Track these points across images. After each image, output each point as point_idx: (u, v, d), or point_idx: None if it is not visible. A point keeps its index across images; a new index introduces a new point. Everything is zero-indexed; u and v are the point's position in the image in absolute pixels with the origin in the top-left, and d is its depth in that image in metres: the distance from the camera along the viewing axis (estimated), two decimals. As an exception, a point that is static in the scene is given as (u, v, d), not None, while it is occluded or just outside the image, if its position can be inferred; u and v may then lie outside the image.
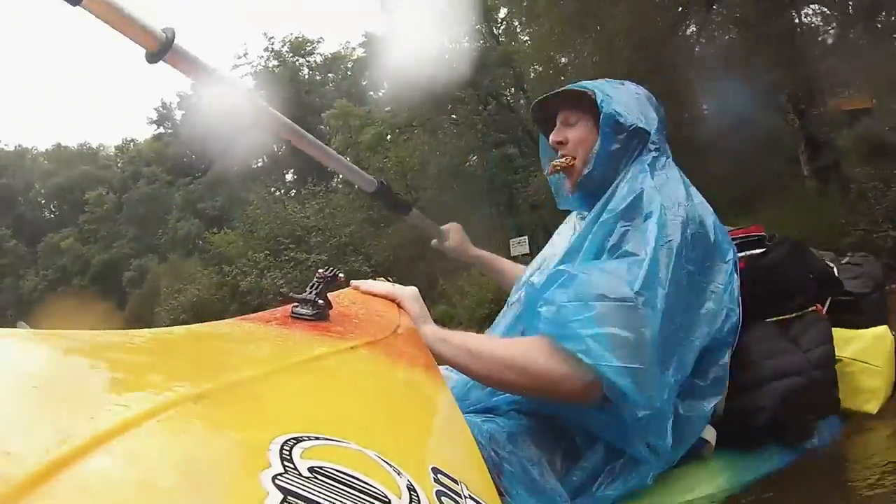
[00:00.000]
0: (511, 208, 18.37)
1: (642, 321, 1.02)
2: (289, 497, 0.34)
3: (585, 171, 1.32)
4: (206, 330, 0.77)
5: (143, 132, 54.43)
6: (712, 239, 1.19)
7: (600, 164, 1.30)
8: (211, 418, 0.43)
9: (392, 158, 18.74)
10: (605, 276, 1.08)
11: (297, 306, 0.88)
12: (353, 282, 1.22)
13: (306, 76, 35.76)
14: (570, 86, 1.39)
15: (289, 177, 23.61)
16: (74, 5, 1.10)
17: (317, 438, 0.42)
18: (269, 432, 0.41)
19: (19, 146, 46.41)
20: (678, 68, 10.92)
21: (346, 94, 28.93)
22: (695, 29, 12.33)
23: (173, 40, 1.14)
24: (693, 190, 1.26)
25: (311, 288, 0.91)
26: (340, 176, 33.74)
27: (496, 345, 1.16)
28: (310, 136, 1.60)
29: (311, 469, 0.38)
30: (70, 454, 0.31)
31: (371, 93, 27.06)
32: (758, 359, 1.31)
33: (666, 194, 1.19)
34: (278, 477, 0.36)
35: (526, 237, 14.94)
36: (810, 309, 1.44)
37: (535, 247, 14.73)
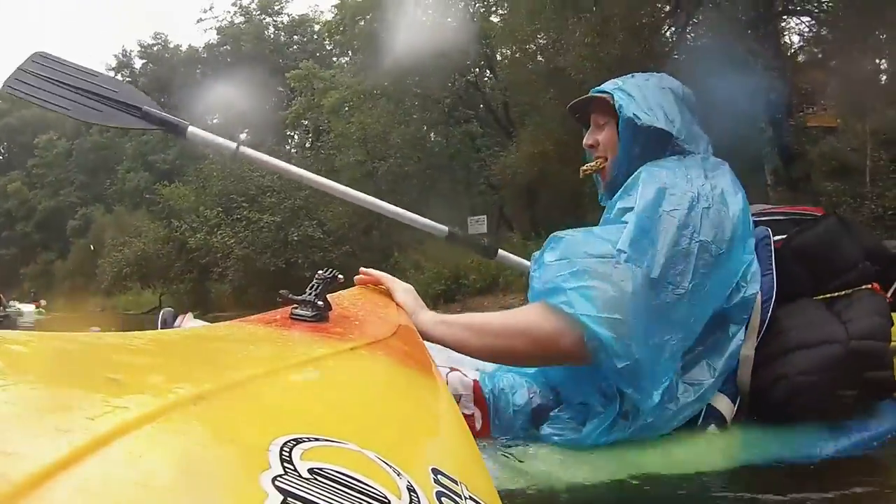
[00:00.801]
0: (470, 186, 18.14)
1: (623, 276, 1.08)
2: (289, 498, 0.34)
3: (612, 174, 1.39)
4: (206, 331, 0.77)
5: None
6: (732, 219, 1.22)
7: (622, 167, 1.35)
8: (211, 420, 0.43)
9: (355, 124, 18.55)
10: (591, 237, 1.17)
11: (296, 308, 0.89)
12: (363, 269, 1.36)
13: (271, 35, 35.59)
14: (593, 90, 1.43)
15: (243, 136, 23.24)
16: (178, 137, 1.96)
17: (317, 439, 0.42)
18: (269, 433, 0.41)
19: None
20: (668, 58, 10.92)
21: (311, 56, 28.79)
22: (687, 20, 12.27)
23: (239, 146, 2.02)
24: (720, 176, 1.28)
25: (310, 289, 0.91)
26: (295, 139, 33.18)
27: (494, 317, 1.20)
28: (375, 200, 2.06)
29: (310, 470, 0.38)
30: (70, 455, 0.31)
31: (336, 58, 26.65)
32: (786, 329, 1.29)
33: (673, 174, 1.23)
34: (278, 478, 0.36)
35: (484, 216, 14.77)
36: (864, 287, 1.36)
37: (493, 226, 14.90)
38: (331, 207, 18.99)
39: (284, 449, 0.39)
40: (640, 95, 1.33)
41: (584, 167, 1.45)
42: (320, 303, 0.88)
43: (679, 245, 1.13)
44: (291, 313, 0.88)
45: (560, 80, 11.92)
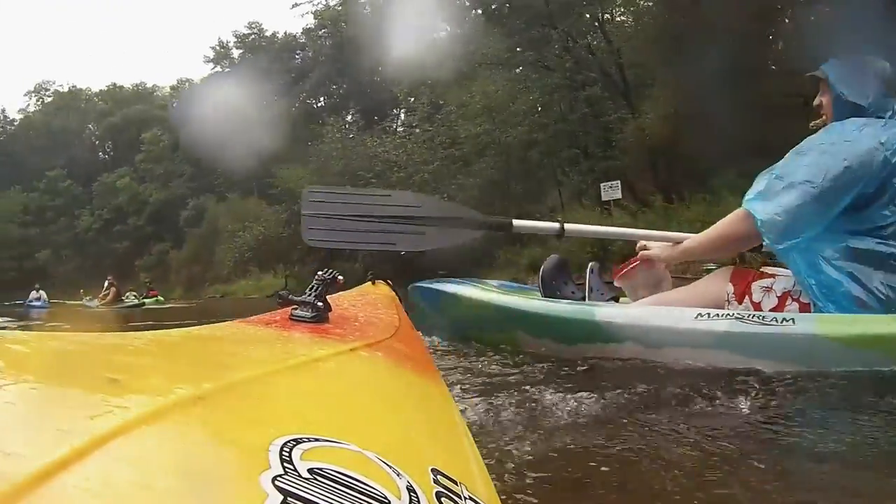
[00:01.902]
0: (601, 151, 16.96)
1: (786, 190, 1.90)
2: (289, 498, 0.34)
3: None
4: (207, 332, 0.77)
5: (200, 71, 54.71)
6: (869, 154, 1.86)
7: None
8: (211, 420, 0.43)
9: (477, 94, 17.65)
10: (777, 168, 1.99)
11: (296, 309, 0.89)
12: (643, 253, 2.33)
13: (370, 14, 35.66)
14: (813, 72, 2.07)
15: (349, 117, 22.87)
16: (559, 237, 2.30)
17: (317, 440, 0.42)
18: (269, 434, 0.41)
19: (74, 87, 46.82)
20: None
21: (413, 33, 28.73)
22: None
23: (563, 225, 2.30)
24: (870, 132, 1.87)
25: (310, 290, 0.91)
26: (402, 114, 29.92)
27: (712, 230, 2.13)
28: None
29: (310, 470, 0.38)
30: (70, 455, 0.31)
31: (445, 29, 26.37)
32: None
33: (850, 133, 1.88)
34: (278, 478, 0.36)
35: (618, 181, 13.78)
36: None
37: (629, 192, 14.08)
38: (457, 180, 18.43)
39: (284, 449, 0.39)
40: (848, 76, 1.97)
41: (811, 124, 2.06)
42: (320, 304, 0.88)
43: (834, 173, 1.84)
44: (291, 314, 0.88)
45: (687, 40, 11.47)
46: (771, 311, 1.99)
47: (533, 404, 1.58)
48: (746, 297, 2.07)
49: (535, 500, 0.99)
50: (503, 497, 0.99)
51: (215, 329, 0.82)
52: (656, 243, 2.31)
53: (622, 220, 12.07)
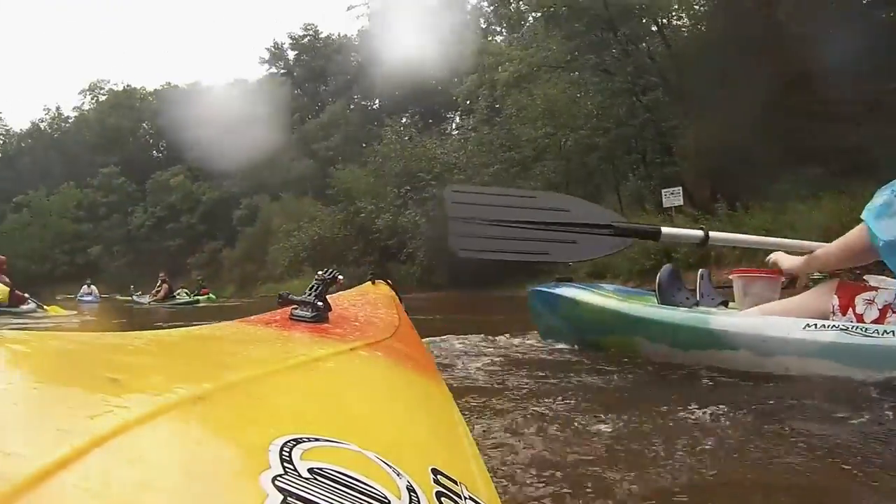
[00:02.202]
0: (659, 157, 16.87)
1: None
2: (289, 498, 0.34)
3: None
4: (207, 332, 0.77)
5: (255, 72, 54.72)
6: None
7: None
8: (211, 419, 0.43)
9: (540, 97, 17.52)
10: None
11: (296, 308, 0.89)
12: (773, 258, 2.52)
13: (423, 14, 35.65)
14: None
15: (404, 119, 22.90)
16: (702, 246, 2.54)
17: (316, 440, 0.42)
18: (269, 433, 0.41)
19: (128, 86, 47.03)
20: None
21: (467, 36, 28.81)
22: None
23: (707, 232, 2.27)
24: None
25: (310, 290, 0.91)
26: (458, 117, 29.99)
27: (837, 244, 2.23)
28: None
29: (310, 470, 0.38)
30: (70, 454, 0.31)
31: (498, 36, 26.05)
32: None
33: None
34: (278, 478, 0.36)
35: (679, 188, 13.65)
36: None
37: (687, 198, 13.80)
38: (517, 183, 18.01)
39: (284, 449, 0.39)
40: None
41: None
42: (320, 303, 0.88)
43: None
44: (291, 314, 0.88)
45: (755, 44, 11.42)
46: (872, 322, 2.07)
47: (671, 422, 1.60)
48: (850, 308, 2.16)
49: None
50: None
51: (215, 329, 0.82)
52: (784, 255, 2.45)
53: (686, 227, 12.25)
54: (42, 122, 48.07)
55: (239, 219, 36.22)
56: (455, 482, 0.48)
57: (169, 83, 46.61)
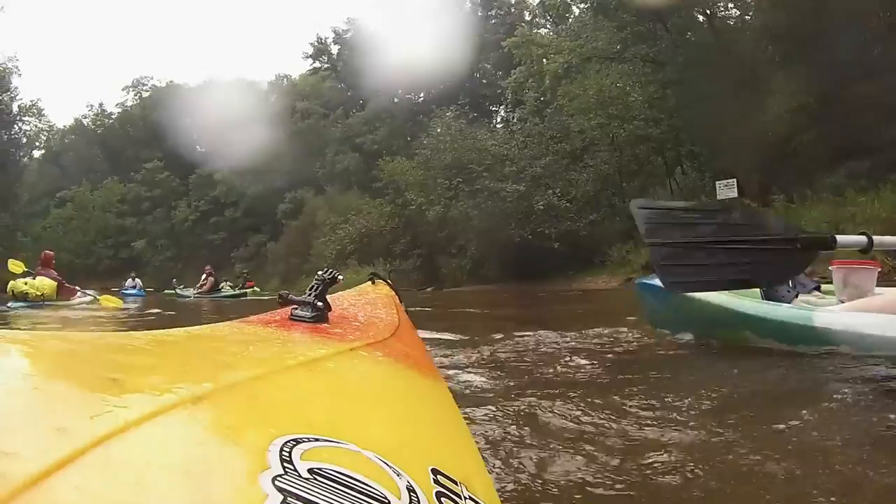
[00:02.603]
0: (718, 147, 16.03)
1: None
2: (289, 498, 0.34)
3: None
4: (207, 332, 0.77)
5: (298, 67, 54.67)
6: None
7: None
8: (210, 419, 0.43)
9: (592, 87, 16.95)
10: None
11: (296, 308, 0.88)
12: None
13: (468, 9, 35.32)
14: None
15: (449, 113, 22.73)
16: (865, 252, 2.14)
17: (316, 440, 0.42)
18: (269, 434, 0.41)
19: (171, 82, 47.05)
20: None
21: (510, 28, 28.70)
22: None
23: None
24: None
25: (310, 290, 0.91)
26: (503, 110, 30.17)
27: None
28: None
29: (310, 470, 0.38)
30: (70, 454, 0.31)
31: (542, 29, 25.64)
32: None
33: None
34: (278, 478, 0.36)
35: (734, 180, 13.19)
36: None
37: (739, 190, 13.25)
38: (568, 175, 17.83)
39: (284, 449, 0.39)
40: None
41: None
42: (320, 304, 0.88)
43: None
44: (291, 314, 0.88)
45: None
46: None
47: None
48: None
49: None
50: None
51: (215, 329, 0.82)
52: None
53: None
54: (85, 118, 48.13)
55: (283, 212, 36.12)
56: (455, 482, 0.48)
57: (211, 79, 46.51)
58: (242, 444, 0.41)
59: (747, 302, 2.82)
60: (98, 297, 9.80)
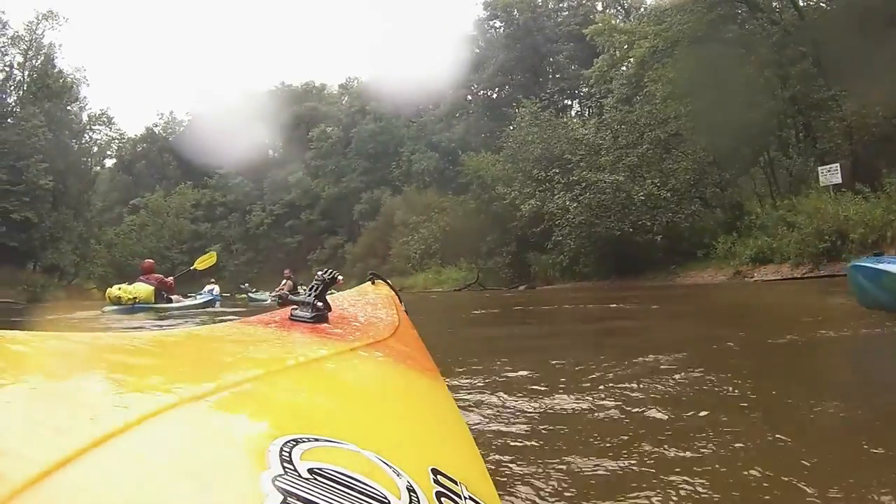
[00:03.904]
0: (812, 132, 15.38)
1: None
2: (288, 498, 0.34)
3: None
4: (207, 332, 0.77)
5: (368, 69, 56.41)
6: None
7: None
8: (211, 419, 0.43)
9: (688, 70, 16.09)
10: None
11: (296, 309, 0.88)
12: None
13: (540, 3, 35.40)
14: None
15: (533, 104, 21.78)
16: None
17: (316, 440, 0.42)
18: (269, 434, 0.41)
19: (242, 88, 48.06)
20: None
21: (583, 20, 28.39)
22: None
23: None
24: None
25: (310, 291, 0.91)
26: (577, 104, 31.06)
27: None
28: None
29: (310, 470, 0.38)
30: (70, 454, 0.31)
31: (614, 20, 24.78)
32: None
33: None
34: (278, 478, 0.36)
35: (837, 165, 12.49)
36: None
37: (849, 174, 12.51)
38: (665, 164, 16.64)
39: (284, 449, 0.39)
40: None
41: None
42: (320, 304, 0.88)
43: None
44: (291, 314, 0.88)
45: None
46: None
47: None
48: None
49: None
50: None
51: (215, 329, 0.82)
52: None
53: (859, 206, 10.96)
54: (156, 126, 48.38)
55: (360, 213, 36.33)
56: (455, 482, 0.48)
57: (283, 83, 47.14)
58: (242, 443, 0.41)
59: None
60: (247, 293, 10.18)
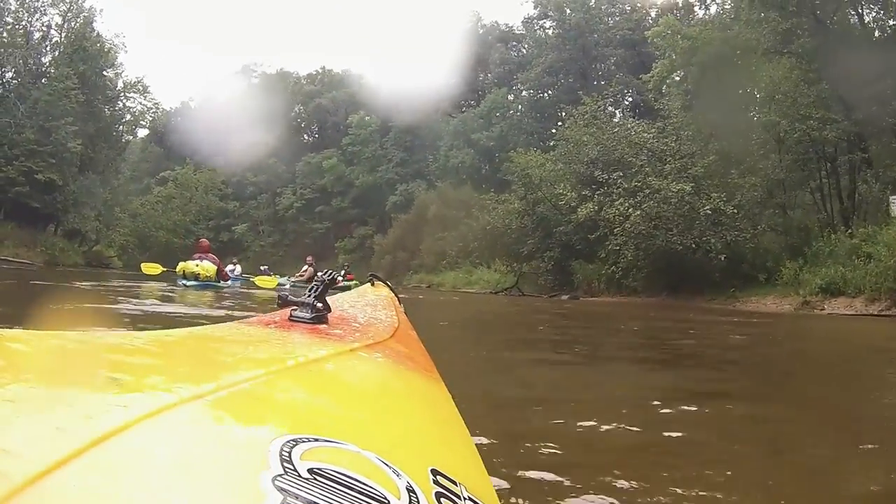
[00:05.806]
0: (882, 159, 14.47)
1: None
2: (288, 498, 0.34)
3: None
4: (207, 332, 0.77)
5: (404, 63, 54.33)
6: None
7: None
8: (210, 419, 0.43)
9: (764, 79, 14.98)
10: None
11: (295, 309, 0.89)
12: None
13: (592, 2, 35.16)
14: None
15: (591, 104, 21.23)
16: None
17: (316, 440, 0.42)
18: (269, 434, 0.41)
19: (281, 69, 47.74)
20: None
21: (629, 20, 28.51)
22: None
23: None
24: None
25: (310, 291, 0.91)
26: (619, 112, 30.88)
27: None
28: None
29: (310, 470, 0.38)
30: (70, 454, 0.31)
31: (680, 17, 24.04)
32: None
33: None
34: (278, 478, 0.36)
35: None
36: None
37: None
38: (731, 177, 15.56)
39: (284, 449, 0.39)
40: None
41: None
42: (319, 305, 0.88)
43: None
44: (291, 315, 0.88)
45: None
46: None
47: None
48: None
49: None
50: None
51: (215, 329, 0.82)
52: None
53: None
54: (192, 101, 48.06)
55: (393, 205, 35.86)
56: (455, 482, 0.48)
57: (323, 67, 46.79)
58: (242, 443, 0.41)
59: None
60: (252, 278, 10.95)
